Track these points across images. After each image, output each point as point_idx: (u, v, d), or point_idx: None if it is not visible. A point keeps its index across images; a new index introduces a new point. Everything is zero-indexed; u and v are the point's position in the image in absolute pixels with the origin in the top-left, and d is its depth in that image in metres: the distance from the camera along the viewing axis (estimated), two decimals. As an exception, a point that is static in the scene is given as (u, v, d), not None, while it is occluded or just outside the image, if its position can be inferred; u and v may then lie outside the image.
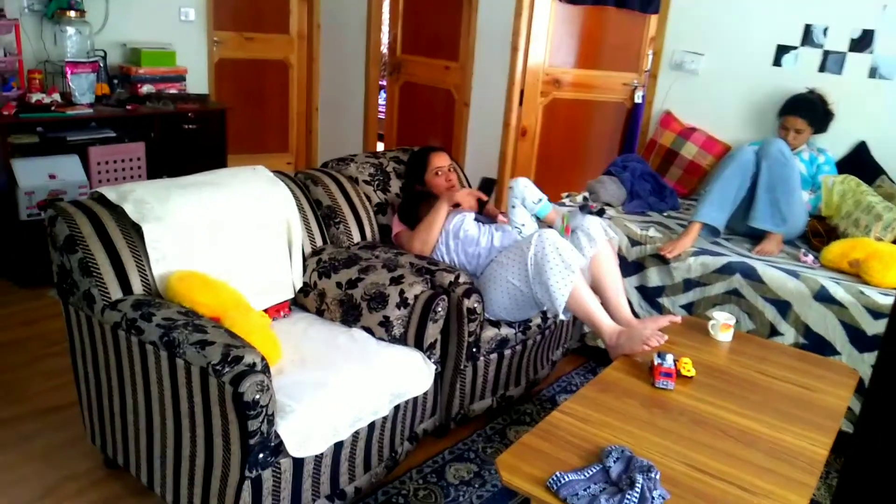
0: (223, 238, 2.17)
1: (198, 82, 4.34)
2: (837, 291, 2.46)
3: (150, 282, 2.00)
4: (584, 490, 1.51)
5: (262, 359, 1.70)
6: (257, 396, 1.63)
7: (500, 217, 2.71)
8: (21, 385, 2.58)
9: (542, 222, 2.73)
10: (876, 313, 2.39)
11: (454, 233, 2.59)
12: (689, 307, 2.80)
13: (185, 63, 4.17)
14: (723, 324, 2.30)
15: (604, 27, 4.31)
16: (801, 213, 2.89)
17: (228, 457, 1.70)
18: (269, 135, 5.26)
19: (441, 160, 2.82)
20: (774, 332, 2.61)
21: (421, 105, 4.91)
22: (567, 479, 1.52)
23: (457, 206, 2.63)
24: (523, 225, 2.64)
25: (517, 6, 4.14)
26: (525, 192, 2.66)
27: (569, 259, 2.29)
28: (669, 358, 2.00)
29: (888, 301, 2.38)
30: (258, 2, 4.96)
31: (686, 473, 1.59)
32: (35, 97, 3.43)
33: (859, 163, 3.07)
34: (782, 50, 3.30)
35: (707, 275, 2.72)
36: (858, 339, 2.43)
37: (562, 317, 2.33)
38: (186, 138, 3.89)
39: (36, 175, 3.29)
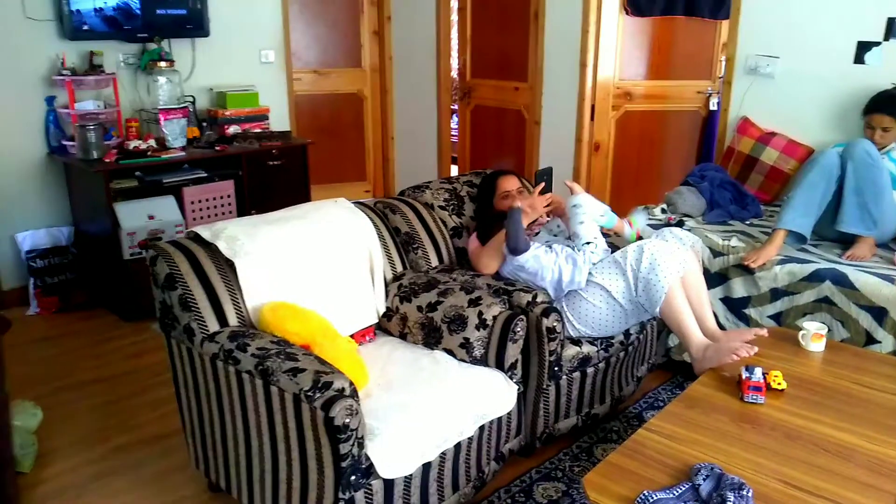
0: (310, 269, 2.28)
1: (279, 119, 4.55)
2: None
3: (244, 313, 2.12)
4: (674, 508, 1.49)
5: (351, 384, 1.77)
6: (347, 420, 1.70)
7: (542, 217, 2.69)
8: (131, 414, 2.76)
9: (610, 234, 2.70)
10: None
11: (531, 271, 2.51)
12: (777, 318, 2.71)
13: (267, 102, 4.39)
14: (814, 333, 2.22)
15: (673, 36, 4.26)
16: (892, 215, 2.76)
17: (322, 479, 1.77)
18: (346, 165, 5.44)
19: (509, 183, 2.84)
20: (871, 340, 2.49)
21: (492, 127, 4.97)
22: (655, 498, 1.51)
23: (530, 226, 2.62)
24: (595, 238, 2.56)
25: (584, 23, 4.15)
26: (589, 207, 2.62)
27: (671, 261, 2.30)
28: (758, 371, 1.95)
29: None
30: (332, 39, 5.17)
31: (781, 490, 1.55)
32: (133, 144, 3.69)
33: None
34: (864, 46, 3.18)
35: (795, 283, 2.64)
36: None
37: (657, 313, 2.33)
38: (272, 173, 4.09)
39: (136, 216, 3.53)
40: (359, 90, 5.37)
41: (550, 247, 2.54)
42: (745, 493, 1.49)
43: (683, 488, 1.55)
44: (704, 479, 1.56)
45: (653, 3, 4.10)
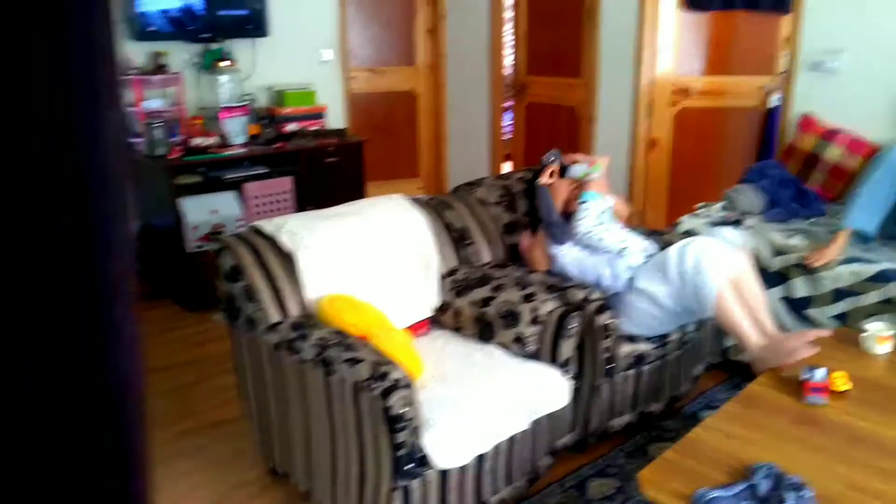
0: (365, 262, 2.33)
1: (336, 117, 4.64)
2: None
3: (304, 305, 2.18)
4: (731, 507, 1.48)
5: (407, 375, 1.81)
6: (404, 410, 1.74)
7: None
8: (194, 401, 2.87)
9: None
10: None
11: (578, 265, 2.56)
12: (840, 319, 2.64)
13: (324, 100, 4.48)
14: (879, 335, 2.16)
15: (733, 31, 4.17)
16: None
17: (379, 467, 1.82)
18: (400, 162, 5.50)
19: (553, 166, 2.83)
20: (941, 343, 2.40)
21: (546, 123, 4.95)
22: (712, 496, 1.51)
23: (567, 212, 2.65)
24: (625, 242, 2.53)
25: (640, 18, 4.11)
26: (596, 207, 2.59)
27: (716, 258, 2.28)
28: (821, 372, 1.91)
29: None
30: (386, 38, 5.23)
31: (843, 493, 1.52)
32: (196, 141, 3.81)
33: None
34: (937, 39, 3.07)
35: (859, 283, 2.56)
36: None
37: (710, 314, 2.30)
38: (328, 170, 4.17)
39: (199, 211, 3.65)
40: (412, 88, 5.42)
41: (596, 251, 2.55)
42: (804, 494, 1.47)
43: (741, 487, 1.53)
44: (763, 479, 1.54)
45: (712, -3, 4.03)
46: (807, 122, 3.50)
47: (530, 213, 2.92)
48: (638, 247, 2.53)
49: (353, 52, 4.91)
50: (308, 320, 2.11)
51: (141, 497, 0.29)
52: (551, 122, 4.89)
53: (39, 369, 0.25)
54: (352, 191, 4.12)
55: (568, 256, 2.56)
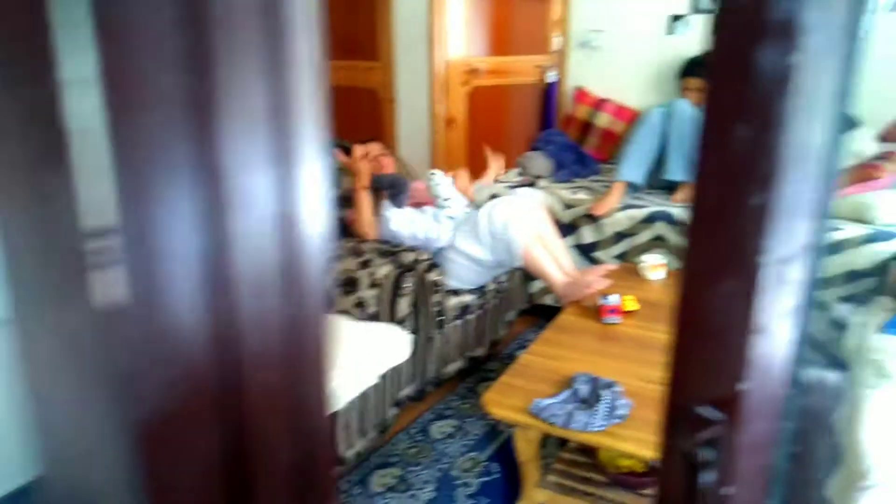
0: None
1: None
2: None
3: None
4: (561, 410, 1.77)
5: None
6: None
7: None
8: None
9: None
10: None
11: (392, 234, 2.76)
12: (622, 256, 3.13)
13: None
14: (653, 265, 2.62)
15: (512, 14, 4.60)
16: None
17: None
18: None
19: (368, 148, 3.02)
20: (698, 268, 2.95)
21: (347, 106, 5.09)
22: (545, 404, 1.79)
23: (376, 189, 2.86)
24: (450, 197, 2.86)
25: (430, 2, 4.38)
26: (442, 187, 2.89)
27: (519, 215, 2.58)
28: (613, 297, 2.30)
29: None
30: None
31: (642, 386, 1.88)
32: None
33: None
34: (675, 19, 3.67)
35: (634, 226, 3.06)
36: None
37: (519, 264, 2.64)
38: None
39: None
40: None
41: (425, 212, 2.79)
42: (616, 389, 1.80)
43: (567, 394, 1.84)
44: (582, 385, 1.86)
45: (491, -17, 4.41)
46: (580, 95, 4.00)
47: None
48: (460, 201, 2.85)
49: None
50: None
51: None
52: (353, 104, 5.04)
53: None
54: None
55: (401, 216, 2.74)
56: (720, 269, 0.37)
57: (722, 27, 0.33)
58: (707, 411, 0.39)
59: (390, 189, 2.81)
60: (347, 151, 2.89)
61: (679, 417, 0.40)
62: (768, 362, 0.38)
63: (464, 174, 3.16)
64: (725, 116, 0.34)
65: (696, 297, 0.38)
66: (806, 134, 0.33)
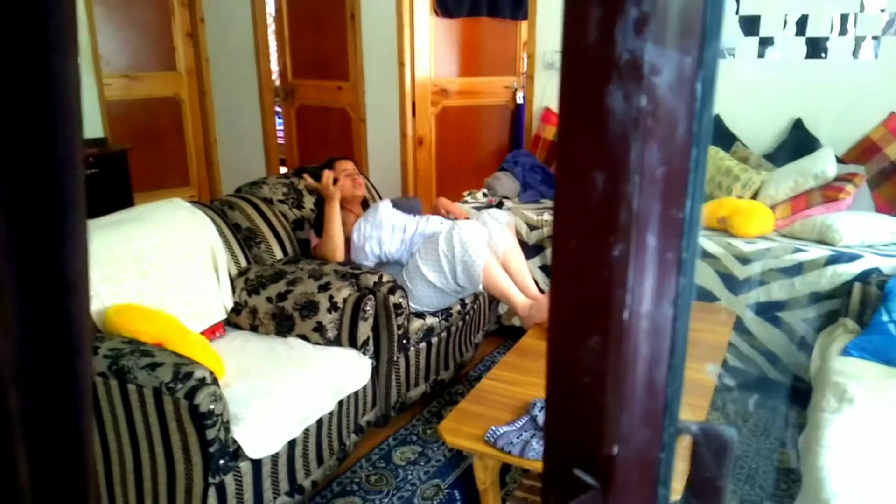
0: (151, 269, 2.28)
1: (92, 127, 4.33)
2: (710, 246, 2.83)
3: (89, 318, 2.08)
4: (517, 438, 1.74)
5: (211, 372, 1.84)
6: (212, 407, 1.77)
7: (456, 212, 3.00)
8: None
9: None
10: (743, 260, 2.77)
11: (375, 225, 2.74)
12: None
13: (76, 109, 4.16)
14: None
15: (480, 36, 4.62)
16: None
17: (191, 468, 1.82)
18: (168, 171, 5.27)
19: (343, 166, 2.97)
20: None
21: (318, 126, 5.06)
22: (502, 431, 1.75)
23: (345, 204, 2.83)
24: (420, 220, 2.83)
25: (398, 23, 4.38)
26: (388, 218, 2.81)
27: (478, 239, 2.56)
28: (575, 321, 2.28)
29: (753, 248, 2.77)
30: (143, 42, 4.98)
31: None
32: None
33: (717, 133, 3.50)
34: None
35: (600, 247, 3.04)
36: (731, 284, 2.81)
37: (480, 289, 2.60)
38: (90, 183, 3.89)
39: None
40: (175, 94, 5.22)
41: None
42: (572, 415, 1.77)
43: (524, 420, 1.80)
44: (540, 411, 1.82)
45: (459, 4, 4.43)
46: (547, 115, 4.01)
47: (317, 209, 3.03)
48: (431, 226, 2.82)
49: (105, 58, 4.61)
50: (94, 334, 2.02)
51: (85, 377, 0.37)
52: (323, 124, 5.01)
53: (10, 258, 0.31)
54: (120, 202, 3.89)
55: (371, 230, 2.74)
56: (584, 325, 0.34)
57: (568, 69, 0.30)
58: (583, 474, 0.36)
59: (409, 212, 2.83)
60: (316, 176, 2.85)
61: (557, 478, 0.37)
62: (639, 422, 0.35)
63: (445, 202, 3.14)
64: (579, 165, 0.31)
65: (563, 353, 0.35)
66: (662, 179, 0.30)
